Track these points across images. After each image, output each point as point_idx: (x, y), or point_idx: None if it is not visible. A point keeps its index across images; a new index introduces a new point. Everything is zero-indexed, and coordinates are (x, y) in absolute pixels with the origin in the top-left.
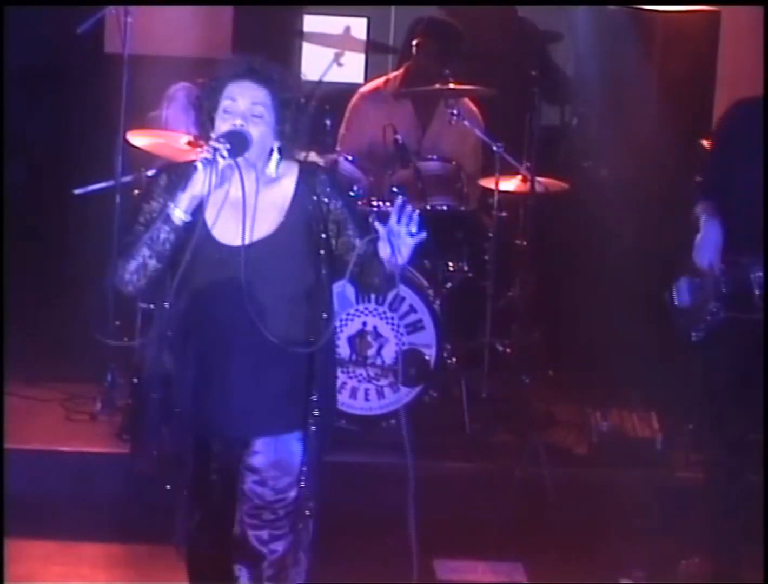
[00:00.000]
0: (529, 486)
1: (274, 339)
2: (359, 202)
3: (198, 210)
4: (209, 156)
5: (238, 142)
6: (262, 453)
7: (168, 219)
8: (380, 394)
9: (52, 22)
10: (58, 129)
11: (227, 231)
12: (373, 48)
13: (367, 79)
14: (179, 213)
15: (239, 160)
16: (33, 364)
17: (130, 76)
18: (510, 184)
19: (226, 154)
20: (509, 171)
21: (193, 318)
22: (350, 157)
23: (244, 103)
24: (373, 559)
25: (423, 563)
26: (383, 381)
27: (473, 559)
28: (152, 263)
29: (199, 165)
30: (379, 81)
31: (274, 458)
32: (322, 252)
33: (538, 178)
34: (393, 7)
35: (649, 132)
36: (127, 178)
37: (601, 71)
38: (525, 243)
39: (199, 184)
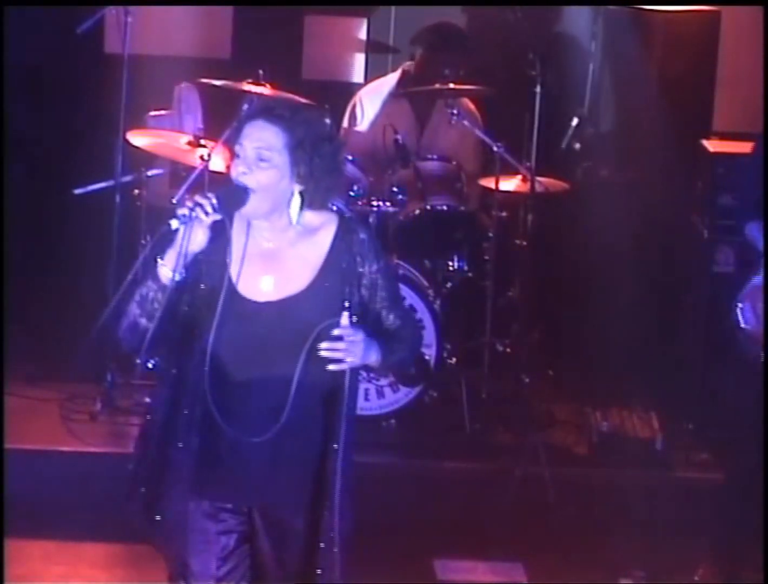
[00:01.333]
0: (529, 486)
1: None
2: (359, 202)
3: (194, 268)
4: (186, 212)
5: (232, 196)
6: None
7: (156, 277)
8: (380, 394)
9: (52, 22)
10: (58, 129)
11: (252, 285)
12: (373, 48)
13: (367, 80)
14: (166, 271)
15: (252, 209)
16: (33, 364)
17: (130, 76)
18: (510, 184)
19: (210, 209)
20: (509, 171)
21: (215, 373)
22: (350, 157)
23: (251, 147)
24: (373, 559)
25: (423, 563)
26: (383, 381)
27: (473, 559)
28: (143, 322)
29: (174, 222)
30: (377, 82)
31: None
32: (354, 318)
33: (538, 178)
34: (393, 7)
35: (649, 132)
36: (127, 178)
37: (601, 71)
38: (525, 243)
39: (179, 241)
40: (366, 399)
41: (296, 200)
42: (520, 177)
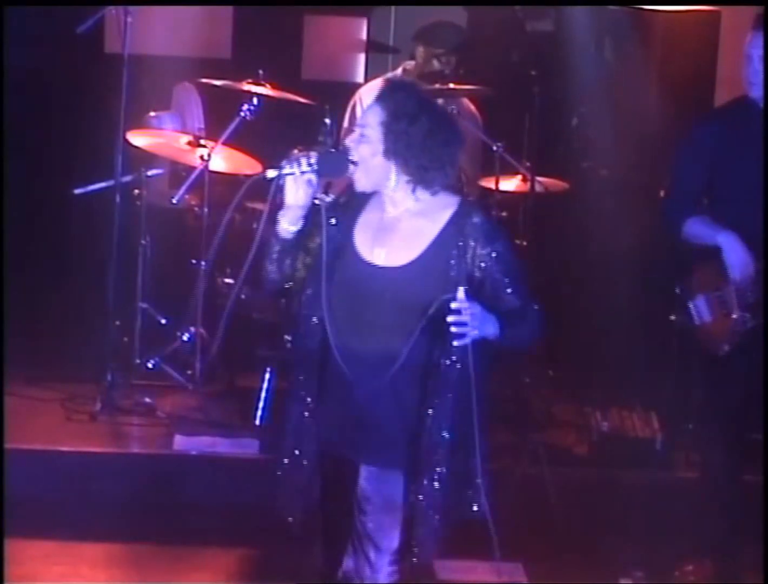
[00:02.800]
0: (529, 486)
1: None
2: None
3: (324, 228)
4: (286, 167)
5: (332, 162)
6: (366, 481)
7: (276, 232)
8: None
9: (52, 22)
10: (58, 129)
11: (370, 251)
12: (373, 48)
13: (367, 79)
14: (284, 224)
15: (363, 181)
16: (33, 364)
17: (130, 76)
18: (510, 184)
19: (305, 167)
20: (509, 171)
21: (331, 327)
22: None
23: (358, 124)
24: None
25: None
26: None
27: (473, 559)
28: (276, 277)
29: (270, 172)
30: (377, 81)
31: (376, 491)
32: (451, 289)
33: (538, 178)
34: (393, 7)
35: (649, 132)
36: (127, 178)
37: (601, 71)
38: (525, 243)
39: (287, 194)
40: None
41: (395, 176)
42: (520, 177)
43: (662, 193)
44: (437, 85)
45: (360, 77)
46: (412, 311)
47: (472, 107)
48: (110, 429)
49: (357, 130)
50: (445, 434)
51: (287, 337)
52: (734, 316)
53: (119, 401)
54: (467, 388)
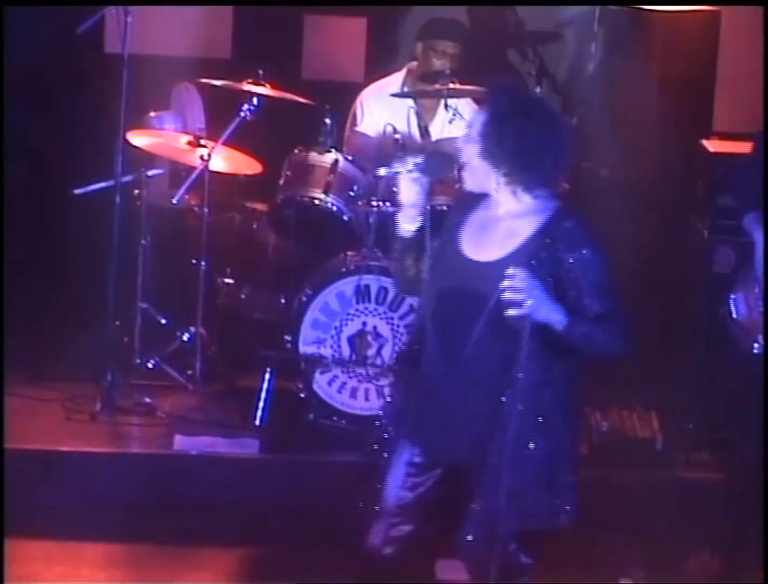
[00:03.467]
0: None
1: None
2: (359, 202)
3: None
4: (395, 166)
5: (436, 163)
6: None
7: (396, 232)
8: (380, 394)
9: (52, 22)
10: (58, 129)
11: (469, 246)
12: (373, 48)
13: (366, 79)
14: (402, 224)
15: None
16: (33, 364)
17: (130, 76)
18: None
19: (411, 167)
20: None
21: (432, 324)
22: (350, 157)
23: (467, 125)
24: (373, 559)
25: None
26: (383, 381)
27: None
28: (399, 273)
29: (382, 170)
30: (381, 82)
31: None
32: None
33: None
34: (393, 7)
35: (649, 132)
36: (127, 178)
37: (601, 71)
38: None
39: (400, 193)
40: (366, 399)
41: (493, 176)
42: None
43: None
44: (437, 85)
45: (360, 77)
46: (491, 306)
47: (475, 106)
48: (110, 429)
49: (467, 131)
50: (532, 445)
51: (287, 337)
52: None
53: (119, 401)
54: (552, 399)
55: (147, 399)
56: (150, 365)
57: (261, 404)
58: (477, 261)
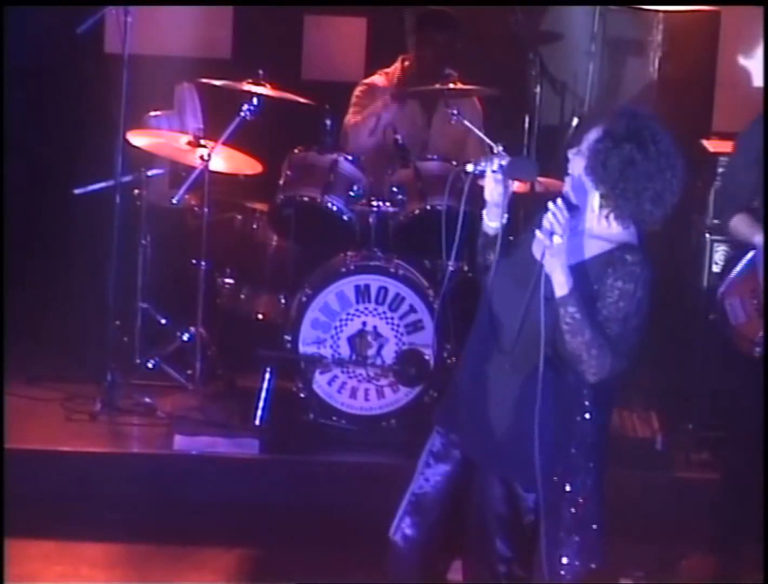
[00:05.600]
0: None
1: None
2: (359, 202)
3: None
4: (481, 164)
5: (520, 165)
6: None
7: (481, 227)
8: (380, 394)
9: (52, 22)
10: (58, 129)
11: (538, 249)
12: (373, 48)
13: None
14: (486, 220)
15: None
16: (33, 364)
17: (130, 76)
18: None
19: (495, 167)
20: None
21: (490, 319)
22: (350, 157)
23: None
24: (373, 559)
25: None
26: (383, 381)
27: None
28: (480, 266)
29: (469, 166)
30: (375, 77)
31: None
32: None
33: (538, 178)
34: (393, 7)
35: None
36: (127, 178)
37: (601, 71)
38: None
39: (485, 190)
40: (366, 399)
41: (592, 194)
42: None
43: (717, 184)
44: (437, 85)
45: (360, 77)
46: (539, 312)
47: (478, 106)
48: (110, 429)
49: (580, 144)
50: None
51: (287, 337)
52: None
53: (119, 401)
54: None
55: (147, 399)
56: (150, 365)
57: (261, 404)
58: (540, 263)
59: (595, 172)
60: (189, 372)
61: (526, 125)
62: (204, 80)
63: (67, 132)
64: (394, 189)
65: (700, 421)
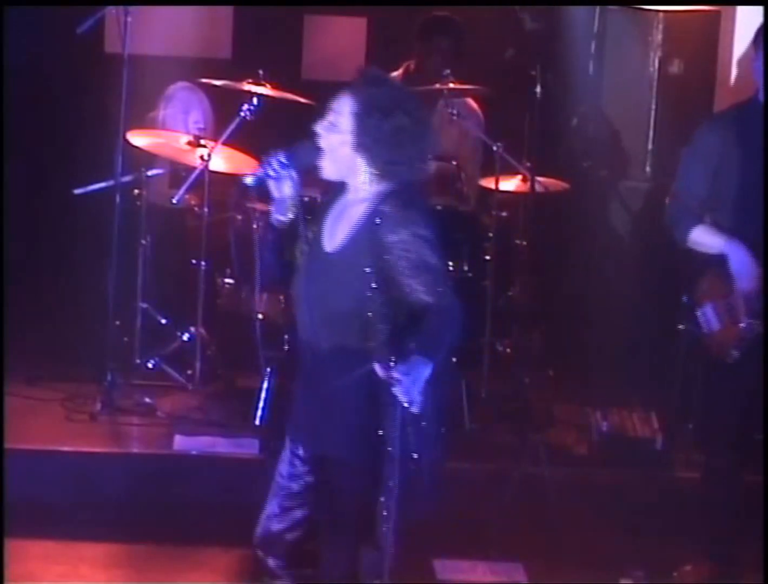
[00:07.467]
0: (529, 486)
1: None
2: None
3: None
4: (261, 171)
5: (301, 154)
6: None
7: (270, 222)
8: None
9: (52, 22)
10: (58, 129)
11: (324, 237)
12: (373, 48)
13: None
14: (276, 215)
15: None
16: (33, 364)
17: (130, 76)
18: (510, 184)
19: (276, 166)
20: (509, 171)
21: (299, 317)
22: None
23: (329, 112)
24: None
25: (423, 563)
26: None
27: (473, 559)
28: (270, 264)
29: (248, 179)
30: None
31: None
32: (373, 285)
33: (538, 178)
34: (393, 7)
35: (649, 132)
36: (127, 178)
37: (601, 71)
38: (525, 243)
39: (272, 191)
40: None
41: (363, 168)
42: (520, 177)
43: (667, 199)
44: (437, 85)
45: None
46: (339, 299)
47: (474, 106)
48: (110, 429)
49: (328, 118)
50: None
51: (287, 337)
52: (742, 324)
53: (119, 401)
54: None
55: (147, 399)
56: (150, 365)
57: (261, 404)
58: (326, 252)
59: (368, 148)
60: (189, 372)
61: (527, 125)
62: (204, 80)
63: (67, 132)
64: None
65: (700, 421)
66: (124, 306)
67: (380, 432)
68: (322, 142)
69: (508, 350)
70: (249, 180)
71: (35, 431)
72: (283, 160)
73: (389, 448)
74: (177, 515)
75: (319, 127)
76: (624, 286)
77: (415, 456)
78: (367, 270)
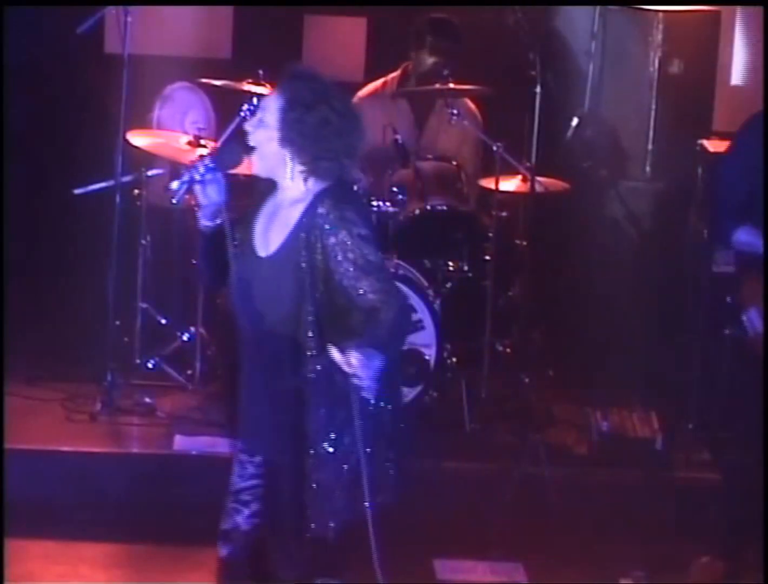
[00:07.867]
0: (529, 486)
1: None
2: None
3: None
4: (186, 175)
5: (227, 154)
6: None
7: (199, 228)
8: None
9: (52, 22)
10: (58, 129)
11: (257, 240)
12: (373, 48)
13: (366, 79)
14: (203, 220)
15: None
16: (33, 364)
17: (130, 76)
18: (510, 184)
19: (202, 170)
20: (509, 171)
21: (239, 322)
22: None
23: (259, 109)
24: (371, 559)
25: (423, 563)
26: None
27: (473, 559)
28: (205, 270)
29: (174, 183)
30: (377, 83)
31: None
32: (311, 288)
33: (538, 178)
34: (393, 7)
35: (649, 132)
36: (127, 178)
37: (601, 71)
38: (525, 243)
39: (198, 196)
40: None
41: (290, 164)
42: (520, 177)
43: (709, 203)
44: (437, 85)
45: (360, 77)
46: (276, 305)
47: (473, 107)
48: (110, 429)
49: (257, 115)
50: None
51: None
52: None
53: (119, 401)
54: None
55: (147, 399)
56: (150, 365)
57: None
58: (259, 256)
59: (292, 142)
60: (189, 372)
61: (527, 125)
62: (204, 80)
63: (67, 132)
64: (394, 189)
65: (700, 421)
66: (124, 307)
67: (315, 433)
68: (251, 139)
69: (508, 350)
70: (174, 185)
71: (35, 431)
72: (208, 163)
73: (327, 447)
74: (177, 515)
75: (248, 125)
76: (624, 285)
77: (368, 450)
78: (305, 273)
